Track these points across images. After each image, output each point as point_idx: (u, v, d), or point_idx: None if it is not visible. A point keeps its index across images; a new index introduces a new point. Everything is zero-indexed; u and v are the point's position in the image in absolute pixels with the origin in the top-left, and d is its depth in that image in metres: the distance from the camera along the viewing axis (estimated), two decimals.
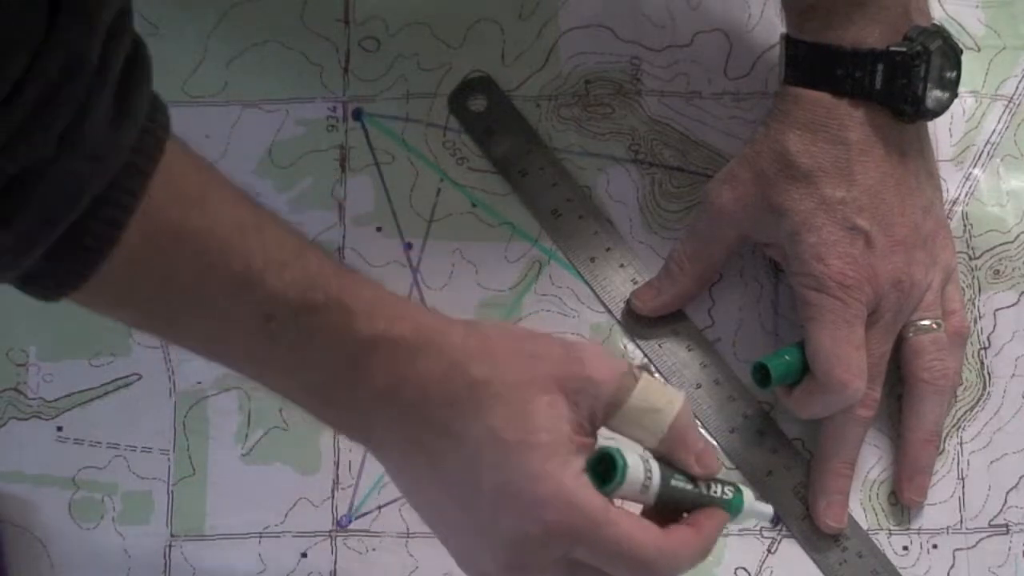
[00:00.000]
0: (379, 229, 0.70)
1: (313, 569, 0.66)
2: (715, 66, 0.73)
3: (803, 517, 0.66)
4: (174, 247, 0.46)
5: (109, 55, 0.42)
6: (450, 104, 0.72)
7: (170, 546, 0.66)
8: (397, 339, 0.50)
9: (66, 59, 0.41)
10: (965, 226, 0.71)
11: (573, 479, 0.50)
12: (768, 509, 0.58)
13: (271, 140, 0.71)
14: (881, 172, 0.63)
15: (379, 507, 0.66)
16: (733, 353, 0.69)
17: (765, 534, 0.66)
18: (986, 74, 0.73)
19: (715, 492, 0.55)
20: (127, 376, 0.68)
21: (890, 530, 0.66)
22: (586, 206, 0.70)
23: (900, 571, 0.65)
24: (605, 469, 0.51)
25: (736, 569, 0.66)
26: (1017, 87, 0.73)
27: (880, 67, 0.62)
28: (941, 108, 0.64)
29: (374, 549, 0.66)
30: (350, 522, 0.66)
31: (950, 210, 0.71)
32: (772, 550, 0.66)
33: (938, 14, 0.73)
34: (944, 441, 0.67)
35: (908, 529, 0.66)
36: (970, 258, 0.70)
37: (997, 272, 0.70)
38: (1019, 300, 0.70)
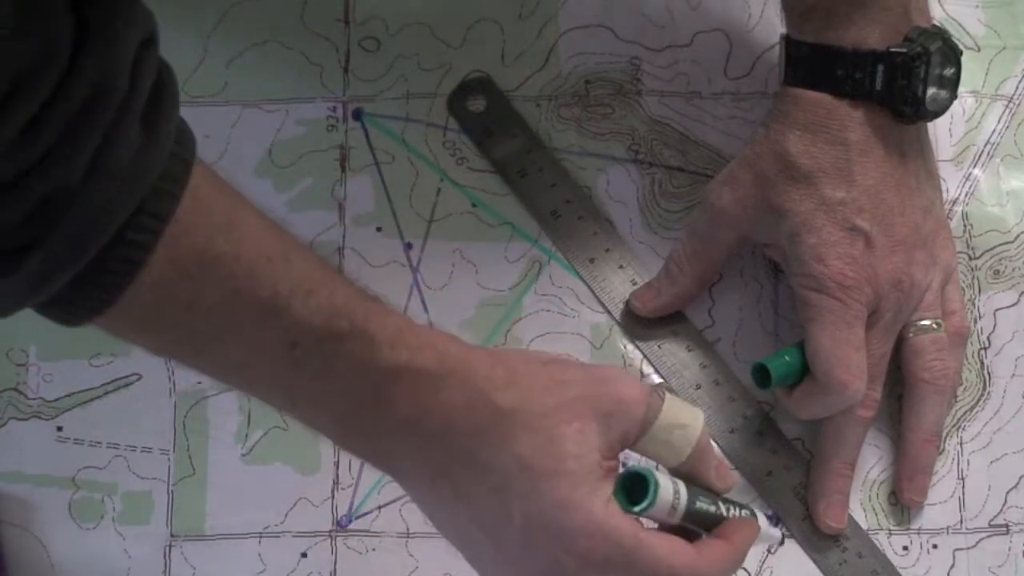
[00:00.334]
0: (379, 229, 0.70)
1: (313, 569, 0.66)
2: (715, 66, 0.73)
3: (803, 517, 0.66)
4: (200, 272, 0.46)
5: (137, 80, 0.43)
6: (449, 105, 0.72)
7: (170, 546, 0.66)
8: (420, 369, 0.50)
9: (95, 84, 0.41)
10: (965, 226, 0.71)
11: (603, 506, 0.50)
12: (777, 533, 0.60)
13: (271, 140, 0.71)
14: (881, 173, 0.63)
15: (379, 507, 0.66)
16: (733, 353, 0.69)
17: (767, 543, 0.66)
18: (986, 74, 0.73)
19: (734, 512, 0.56)
20: (127, 376, 0.68)
21: (890, 530, 0.66)
22: (585, 207, 0.70)
23: (900, 571, 0.65)
24: (634, 489, 0.52)
25: None
26: (1017, 87, 0.73)
27: (880, 68, 0.62)
28: (941, 109, 0.64)
29: (374, 549, 0.66)
30: (350, 522, 0.66)
31: (950, 210, 0.71)
32: (772, 550, 0.66)
33: (938, 14, 0.73)
34: (944, 441, 0.67)
35: (908, 529, 0.66)
36: (970, 258, 0.70)
37: (997, 272, 0.70)
38: (1019, 300, 0.70)
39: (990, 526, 0.66)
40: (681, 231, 0.70)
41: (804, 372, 0.64)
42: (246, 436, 0.67)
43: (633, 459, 0.54)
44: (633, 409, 0.52)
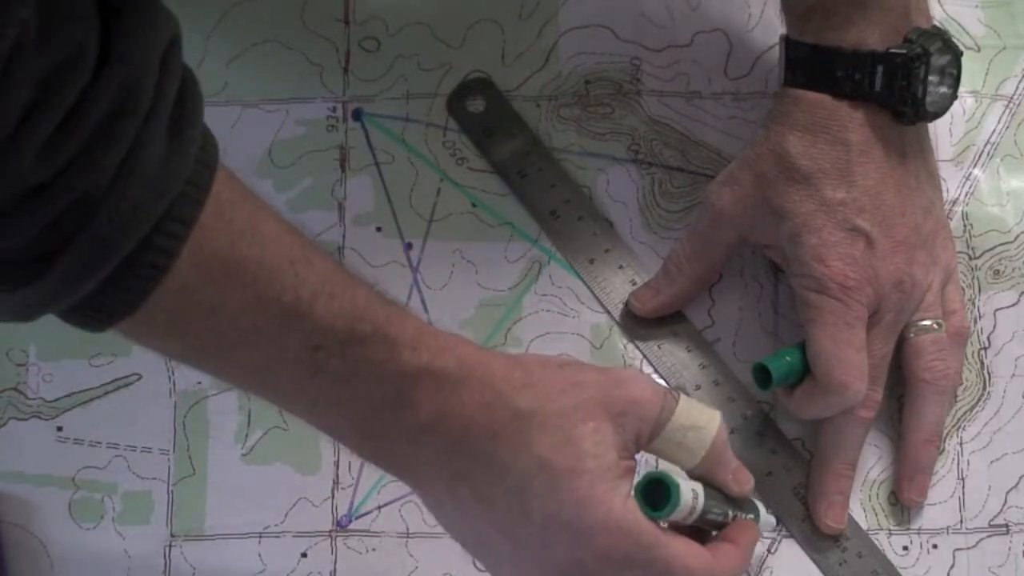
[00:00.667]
0: (379, 229, 0.70)
1: (313, 569, 0.66)
2: (715, 66, 0.73)
3: (803, 518, 0.66)
4: (224, 276, 0.46)
5: (163, 84, 0.43)
6: (449, 105, 0.72)
7: (170, 546, 0.66)
8: (440, 372, 0.51)
9: (122, 88, 0.41)
10: (965, 226, 0.71)
11: (622, 504, 0.51)
12: (771, 519, 0.61)
13: (271, 140, 0.71)
14: (881, 173, 0.63)
15: (379, 507, 0.66)
16: (733, 354, 0.69)
17: (765, 535, 0.66)
18: (986, 74, 0.73)
19: (744, 511, 0.57)
20: (127, 376, 0.68)
21: (890, 530, 0.66)
22: (585, 207, 0.70)
23: (900, 571, 0.65)
24: (655, 494, 0.52)
25: None
26: (1017, 87, 0.73)
27: (880, 69, 0.62)
28: (941, 109, 0.64)
29: (374, 549, 0.66)
30: (350, 522, 0.66)
31: (950, 210, 0.71)
32: (772, 550, 0.66)
33: (938, 14, 0.73)
34: (944, 441, 0.67)
35: (908, 529, 0.66)
36: (970, 258, 0.70)
37: (997, 272, 0.70)
38: (1019, 300, 0.70)
39: (990, 526, 0.66)
40: (681, 231, 0.70)
41: (805, 372, 0.64)
42: (246, 436, 0.67)
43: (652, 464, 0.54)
44: (646, 409, 0.53)
